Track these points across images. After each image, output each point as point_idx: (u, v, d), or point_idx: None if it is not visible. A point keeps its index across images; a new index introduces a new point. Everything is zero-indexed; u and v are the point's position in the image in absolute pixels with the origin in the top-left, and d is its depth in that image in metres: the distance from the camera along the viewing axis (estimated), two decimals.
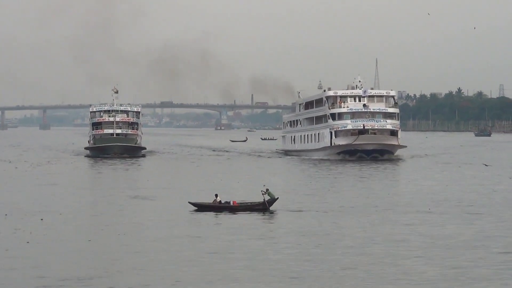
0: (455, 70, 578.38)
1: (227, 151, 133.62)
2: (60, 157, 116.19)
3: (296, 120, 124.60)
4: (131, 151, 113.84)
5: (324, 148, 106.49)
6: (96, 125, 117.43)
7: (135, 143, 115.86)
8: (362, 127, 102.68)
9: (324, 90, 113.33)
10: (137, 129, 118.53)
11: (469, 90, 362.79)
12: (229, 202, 45.77)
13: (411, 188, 61.07)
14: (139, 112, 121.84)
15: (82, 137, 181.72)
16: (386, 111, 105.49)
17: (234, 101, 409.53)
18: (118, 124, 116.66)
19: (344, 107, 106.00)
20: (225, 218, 42.74)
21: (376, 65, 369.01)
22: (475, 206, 47.87)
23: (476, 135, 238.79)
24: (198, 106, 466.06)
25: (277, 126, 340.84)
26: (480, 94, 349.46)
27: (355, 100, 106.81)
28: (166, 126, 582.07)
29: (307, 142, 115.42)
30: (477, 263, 29.74)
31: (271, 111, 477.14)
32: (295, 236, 36.33)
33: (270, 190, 46.03)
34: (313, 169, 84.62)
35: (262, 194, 45.29)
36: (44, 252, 32.88)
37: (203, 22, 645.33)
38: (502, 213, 44.22)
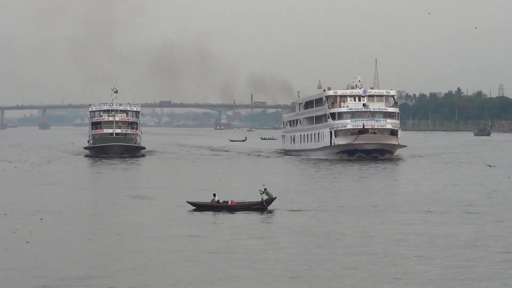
0: (454, 69, 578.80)
1: (226, 151, 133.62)
2: (60, 156, 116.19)
3: (296, 120, 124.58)
4: (131, 150, 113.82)
5: (324, 148, 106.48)
6: (96, 125, 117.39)
7: (135, 143, 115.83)
8: (362, 127, 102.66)
9: (324, 90, 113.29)
10: (136, 129, 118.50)
11: (469, 90, 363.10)
12: (227, 202, 45.79)
13: (411, 187, 61.06)
14: (138, 111, 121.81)
15: (82, 137, 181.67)
16: (386, 110, 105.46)
17: (234, 100, 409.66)
18: (118, 124, 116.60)
19: (344, 107, 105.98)
20: (225, 217, 42.73)
21: (376, 65, 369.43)
22: (475, 205, 47.86)
23: (476, 134, 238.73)
24: (197, 105, 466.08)
25: (277, 126, 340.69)
26: (479, 93, 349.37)
27: (355, 100, 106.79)
28: (165, 126, 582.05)
29: (307, 141, 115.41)
30: (477, 262, 29.73)
31: (270, 110, 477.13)
32: (295, 235, 36.32)
33: (269, 189, 46.04)
34: (313, 169, 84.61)
35: (260, 193, 45.31)
36: (44, 252, 32.86)
37: (203, 22, 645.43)
38: (502, 213, 44.21)
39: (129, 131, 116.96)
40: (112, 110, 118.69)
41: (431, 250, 32.23)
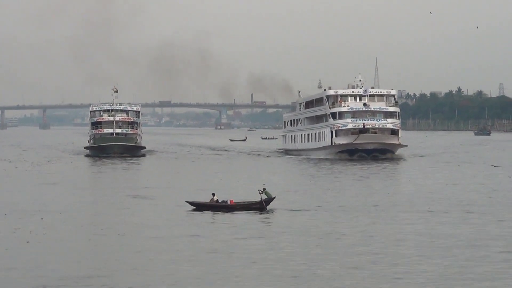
0: (455, 69, 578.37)
1: (226, 151, 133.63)
2: (60, 156, 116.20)
3: (297, 119, 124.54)
4: (131, 150, 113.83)
5: (324, 148, 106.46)
6: (96, 125, 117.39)
7: (135, 143, 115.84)
8: (362, 126, 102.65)
9: (325, 89, 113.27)
10: (137, 129, 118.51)
11: (469, 89, 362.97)
12: (226, 201, 45.81)
13: (411, 187, 61.05)
14: (139, 111, 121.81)
15: (82, 137, 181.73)
16: (387, 110, 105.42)
17: (234, 100, 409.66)
18: (118, 124, 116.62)
19: (344, 106, 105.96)
20: (225, 217, 42.72)
21: (376, 65, 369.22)
22: (475, 205, 47.84)
23: (476, 134, 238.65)
24: (197, 105, 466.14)
25: (277, 126, 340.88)
26: (480, 93, 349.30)
27: (355, 99, 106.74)
28: (166, 126, 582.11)
29: (308, 141, 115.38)
30: (477, 262, 29.71)
31: (271, 110, 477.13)
32: (295, 235, 36.31)
33: (269, 189, 46.02)
34: (314, 169, 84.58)
35: (259, 193, 45.31)
36: (44, 251, 32.86)
37: (203, 22, 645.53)
38: (502, 213, 44.19)
39: (130, 131, 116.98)
40: (112, 110, 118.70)
41: (431, 250, 32.21)
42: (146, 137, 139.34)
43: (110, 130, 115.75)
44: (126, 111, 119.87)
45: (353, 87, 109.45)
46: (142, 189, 60.81)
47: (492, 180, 66.70)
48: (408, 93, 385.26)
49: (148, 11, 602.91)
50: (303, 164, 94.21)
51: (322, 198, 52.26)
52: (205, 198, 47.45)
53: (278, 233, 37.08)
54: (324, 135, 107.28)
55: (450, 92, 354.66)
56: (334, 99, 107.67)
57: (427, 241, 34.39)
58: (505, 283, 26.42)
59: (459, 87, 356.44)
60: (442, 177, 70.64)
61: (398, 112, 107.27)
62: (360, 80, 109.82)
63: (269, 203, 45.20)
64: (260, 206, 44.98)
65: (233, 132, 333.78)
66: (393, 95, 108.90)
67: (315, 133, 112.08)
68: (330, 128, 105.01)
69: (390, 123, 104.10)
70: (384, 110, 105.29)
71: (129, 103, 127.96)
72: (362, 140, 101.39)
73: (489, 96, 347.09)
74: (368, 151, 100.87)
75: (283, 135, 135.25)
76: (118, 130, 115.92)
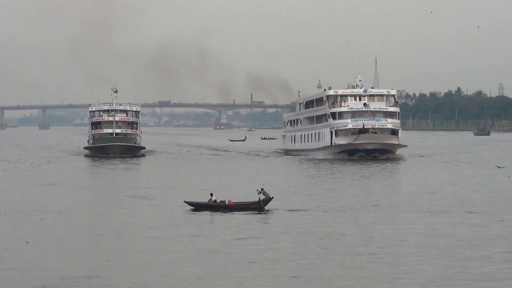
0: (454, 69, 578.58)
1: (226, 151, 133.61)
2: (60, 156, 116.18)
3: (296, 120, 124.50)
4: (131, 150, 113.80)
5: (324, 148, 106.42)
6: (96, 125, 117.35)
7: (135, 143, 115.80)
8: (362, 127, 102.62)
9: (325, 89, 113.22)
10: (136, 129, 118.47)
11: (469, 89, 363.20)
12: (224, 201, 45.79)
13: (411, 187, 61.04)
14: (138, 111, 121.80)
15: (82, 137, 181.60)
16: (387, 110, 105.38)
17: (233, 100, 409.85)
18: (118, 124, 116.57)
19: (344, 106, 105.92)
20: (225, 217, 42.70)
21: (376, 65, 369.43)
22: (475, 205, 47.83)
23: (476, 134, 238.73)
24: (197, 105, 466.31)
25: (277, 126, 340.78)
26: (479, 93, 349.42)
27: (355, 99, 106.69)
28: (165, 126, 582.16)
29: (308, 141, 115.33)
30: (477, 262, 29.70)
31: (270, 110, 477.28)
32: (294, 235, 36.29)
33: (269, 189, 45.98)
34: (313, 169, 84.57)
35: (258, 193, 45.29)
36: (44, 252, 32.84)
37: (203, 22, 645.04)
38: (502, 213, 44.18)
39: (129, 131, 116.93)
40: (112, 110, 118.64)
41: (431, 250, 32.19)
42: (145, 137, 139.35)
43: (110, 130, 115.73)
44: (125, 111, 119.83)
45: (353, 87, 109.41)
46: (142, 189, 60.80)
47: (492, 180, 66.70)
48: (407, 93, 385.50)
49: (147, 11, 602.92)
50: (303, 164, 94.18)
51: (322, 198, 52.23)
52: (205, 199, 47.41)
53: (277, 233, 37.06)
54: (324, 135, 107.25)
55: (450, 92, 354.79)
56: (334, 99, 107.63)
57: (427, 241, 34.38)
58: (505, 283, 26.40)
59: (458, 87, 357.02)
60: (442, 177, 70.63)
61: (398, 112, 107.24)
62: (360, 80, 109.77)
63: (267, 203, 45.18)
64: (258, 206, 44.95)
65: (233, 132, 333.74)
66: (393, 95, 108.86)
67: (315, 133, 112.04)
68: (330, 128, 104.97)
69: (390, 123, 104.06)
70: (384, 110, 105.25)
71: (128, 103, 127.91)
72: (362, 140, 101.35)
73: (489, 96, 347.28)
74: (368, 151, 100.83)
75: (282, 135, 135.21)
76: (118, 130, 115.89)
